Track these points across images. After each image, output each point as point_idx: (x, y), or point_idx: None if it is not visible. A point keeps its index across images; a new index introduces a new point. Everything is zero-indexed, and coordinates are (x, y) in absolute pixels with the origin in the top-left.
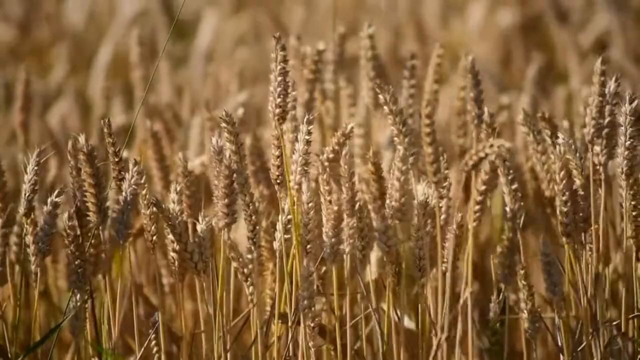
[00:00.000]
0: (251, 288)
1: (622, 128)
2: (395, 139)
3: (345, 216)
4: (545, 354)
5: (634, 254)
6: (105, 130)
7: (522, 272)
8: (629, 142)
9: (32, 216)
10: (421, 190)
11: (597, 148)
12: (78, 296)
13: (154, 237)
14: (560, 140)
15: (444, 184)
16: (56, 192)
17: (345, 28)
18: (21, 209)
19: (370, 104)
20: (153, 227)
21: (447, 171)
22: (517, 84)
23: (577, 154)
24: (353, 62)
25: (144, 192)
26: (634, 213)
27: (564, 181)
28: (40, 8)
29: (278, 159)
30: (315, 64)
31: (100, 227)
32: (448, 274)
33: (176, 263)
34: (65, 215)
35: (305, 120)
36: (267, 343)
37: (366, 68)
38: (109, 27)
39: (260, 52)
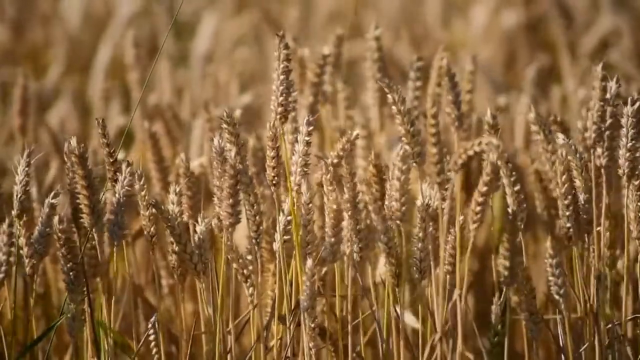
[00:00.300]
0: (251, 289)
1: (624, 130)
2: (403, 139)
3: (346, 217)
4: (546, 354)
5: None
6: (100, 131)
7: (524, 273)
8: (630, 144)
9: (25, 217)
10: (424, 191)
11: (598, 150)
12: (73, 298)
13: (154, 238)
14: (560, 142)
15: (447, 185)
16: (52, 193)
17: (346, 29)
18: (14, 211)
19: (376, 106)
20: (152, 228)
21: (450, 172)
22: (521, 84)
23: (578, 155)
24: (351, 63)
25: (143, 193)
26: (639, 214)
27: (566, 184)
28: (36, 9)
29: (274, 160)
30: (320, 68)
31: (94, 229)
32: (448, 276)
33: (176, 264)
34: (56, 218)
35: (305, 121)
36: (267, 344)
37: (372, 69)
38: (106, 28)
39: (260, 53)
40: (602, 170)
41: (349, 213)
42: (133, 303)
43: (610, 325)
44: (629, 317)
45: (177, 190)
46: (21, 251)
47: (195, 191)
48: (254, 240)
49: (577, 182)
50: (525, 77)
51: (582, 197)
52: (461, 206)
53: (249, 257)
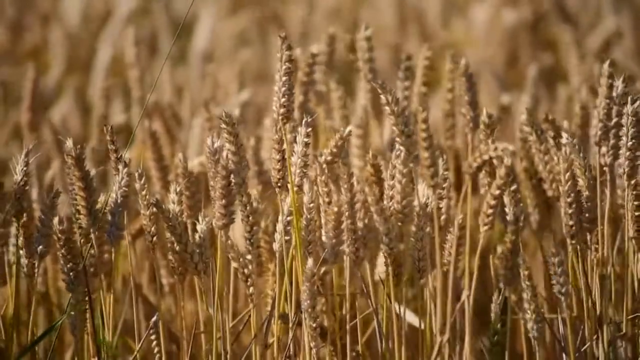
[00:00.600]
0: (251, 288)
1: (624, 129)
2: (397, 139)
3: (345, 217)
4: (546, 354)
5: (635, 254)
6: (108, 137)
7: (525, 272)
8: (630, 143)
9: (25, 217)
10: (422, 191)
11: (603, 149)
12: (75, 297)
13: (154, 238)
14: (564, 141)
15: (444, 185)
16: (52, 193)
17: (345, 28)
18: (12, 210)
19: (368, 106)
20: (153, 228)
21: (447, 172)
22: (523, 84)
23: (581, 155)
24: (349, 63)
25: (143, 192)
26: (636, 213)
27: (569, 182)
28: (36, 8)
29: (279, 163)
30: (309, 67)
31: (92, 230)
32: (448, 276)
33: (176, 263)
34: (56, 219)
35: (304, 122)
36: (266, 343)
37: (364, 70)
38: (105, 27)
39: (259, 52)
40: (606, 169)
41: (347, 213)
42: (134, 302)
43: (611, 325)
44: (630, 316)
45: (178, 189)
46: (21, 251)
47: (195, 191)
48: (248, 241)
49: (580, 181)
50: (526, 76)
51: (584, 195)
52: (455, 205)
53: (249, 257)
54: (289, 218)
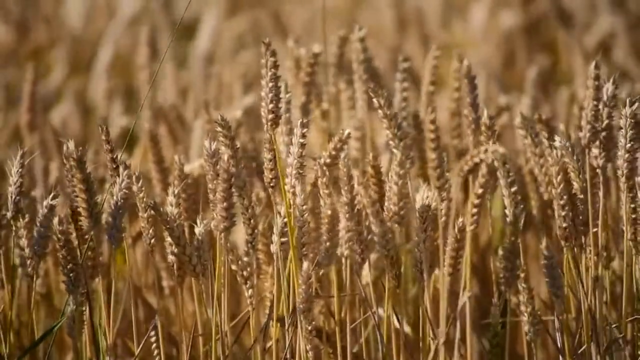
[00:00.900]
0: (250, 291)
1: (623, 131)
2: (390, 142)
3: (343, 219)
4: (545, 356)
5: (633, 257)
6: (103, 137)
7: (522, 274)
8: (629, 145)
9: (23, 219)
10: (422, 193)
11: (595, 151)
12: (73, 299)
13: (152, 240)
14: (557, 144)
15: (445, 187)
16: (51, 195)
17: (345, 29)
18: (9, 212)
19: (364, 107)
20: (151, 231)
21: (448, 174)
22: (520, 85)
23: (575, 157)
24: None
25: (141, 195)
26: (633, 216)
27: (562, 185)
28: (39, 9)
29: (270, 163)
30: (311, 67)
31: (93, 232)
32: (448, 277)
33: (175, 266)
34: (56, 219)
35: (299, 123)
36: (265, 346)
37: (358, 71)
38: (107, 28)
39: (259, 54)
40: (599, 171)
41: (347, 215)
42: (133, 304)
43: (608, 327)
44: (628, 319)
45: (176, 192)
46: (23, 252)
47: (192, 193)
48: (249, 244)
49: (575, 184)
50: (524, 77)
51: (578, 197)
52: (460, 207)
53: (248, 259)
54: (285, 220)
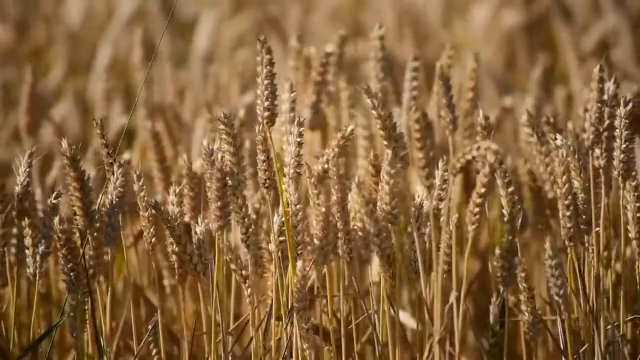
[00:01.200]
0: (249, 290)
1: (618, 131)
2: (385, 142)
3: (336, 218)
4: (545, 356)
5: (637, 256)
6: (98, 131)
7: (522, 274)
8: (624, 146)
9: (28, 218)
10: (419, 192)
11: (597, 151)
12: (74, 298)
13: (154, 240)
14: (559, 143)
15: (444, 186)
16: (54, 194)
17: (346, 29)
18: (15, 212)
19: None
20: (152, 230)
21: (447, 173)
22: (522, 85)
23: (577, 157)
24: (353, 63)
25: (142, 194)
26: (638, 215)
27: (567, 184)
28: (38, 9)
29: (265, 163)
30: (323, 67)
31: (89, 231)
32: (444, 276)
33: (176, 265)
34: (56, 219)
35: (296, 122)
36: (266, 345)
37: (375, 69)
38: (106, 28)
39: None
40: (601, 171)
41: (338, 215)
42: (134, 304)
43: (609, 327)
44: (629, 318)
45: (177, 191)
46: (27, 251)
47: (198, 192)
48: (244, 243)
49: (576, 184)
50: (526, 77)
51: (580, 197)
52: (461, 206)
53: (246, 259)
54: (283, 219)
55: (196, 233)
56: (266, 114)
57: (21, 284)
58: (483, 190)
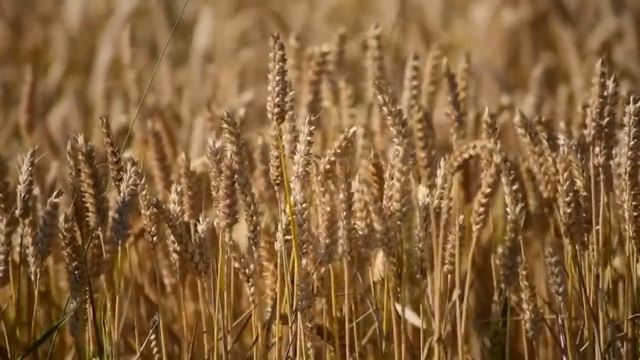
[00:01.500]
0: (252, 289)
1: (626, 128)
2: (395, 139)
3: (340, 217)
4: (546, 354)
5: (634, 255)
6: (104, 130)
7: (524, 272)
8: (632, 143)
9: (30, 217)
10: (422, 191)
11: (596, 149)
12: (77, 297)
13: (155, 238)
14: (561, 142)
15: (445, 185)
16: (55, 192)
17: (346, 28)
18: (18, 210)
19: (376, 104)
20: (153, 228)
21: (447, 172)
22: (524, 84)
23: (579, 155)
24: (353, 62)
25: (144, 192)
26: (634, 214)
27: (567, 182)
28: (36, 8)
29: (277, 160)
30: (319, 66)
31: (100, 228)
32: (449, 275)
33: (177, 264)
34: (62, 217)
35: (306, 121)
36: (267, 344)
37: (372, 68)
38: (105, 27)
39: (260, 53)
40: (600, 169)
41: (344, 213)
42: (135, 302)
43: (610, 325)
44: (629, 317)
45: (179, 189)
46: (27, 250)
47: (196, 191)
48: (251, 241)
49: (578, 182)
50: (527, 76)
51: (582, 195)
52: (461, 205)
53: (251, 257)
54: (290, 217)
55: (197, 231)
56: (276, 110)
57: (22, 283)
58: (488, 190)
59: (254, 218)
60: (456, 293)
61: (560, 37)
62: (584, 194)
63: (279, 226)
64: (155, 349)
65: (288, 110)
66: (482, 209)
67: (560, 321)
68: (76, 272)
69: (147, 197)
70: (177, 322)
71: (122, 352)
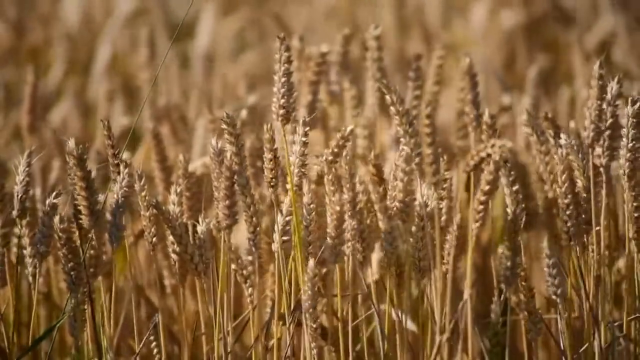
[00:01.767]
0: (250, 290)
1: (625, 130)
2: (401, 139)
3: (347, 217)
4: (547, 355)
5: (635, 255)
6: (105, 132)
7: (522, 273)
8: (631, 144)
9: (28, 218)
10: (423, 191)
11: (598, 150)
12: (75, 298)
13: (154, 239)
14: (562, 142)
15: (445, 185)
16: (54, 193)
17: (345, 28)
18: (15, 211)
19: (376, 105)
20: (153, 229)
21: (447, 172)
22: (521, 84)
23: (579, 155)
24: (354, 63)
25: (143, 193)
26: (635, 214)
27: (567, 183)
28: (36, 8)
29: (271, 162)
30: (318, 66)
31: (93, 230)
32: (449, 275)
33: (177, 265)
34: (57, 218)
35: (302, 121)
36: (267, 344)
37: (372, 69)
38: (104, 28)
39: (258, 53)
40: (602, 170)
41: (349, 213)
42: (135, 303)
43: (610, 326)
44: (630, 318)
45: (178, 190)
46: (24, 251)
47: (195, 192)
48: (251, 242)
49: (579, 182)
50: (525, 76)
51: (582, 196)
52: (464, 205)
53: (249, 258)
54: (287, 218)
55: (196, 232)
56: (281, 111)
57: (21, 284)
58: (487, 188)
59: (254, 219)
60: (467, 292)
61: (560, 38)
62: (585, 194)
63: (276, 227)
64: (155, 350)
65: (293, 111)
66: (481, 207)
67: (560, 322)
68: (72, 273)
69: (147, 198)
70: (177, 323)
71: (122, 352)
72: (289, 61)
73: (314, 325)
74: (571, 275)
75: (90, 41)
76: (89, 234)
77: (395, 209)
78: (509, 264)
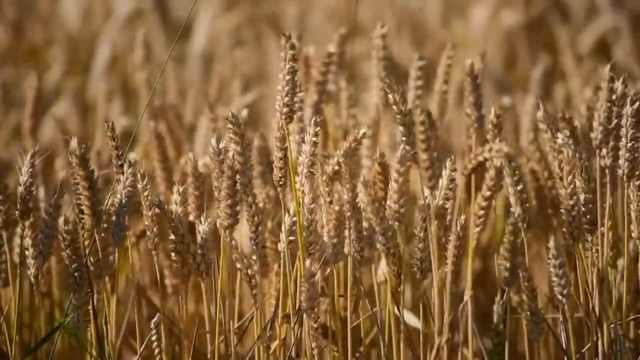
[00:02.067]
0: (254, 289)
1: (624, 130)
2: (404, 139)
3: (346, 217)
4: (548, 355)
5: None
6: (109, 133)
7: (524, 273)
8: (630, 145)
9: (31, 218)
10: (424, 191)
11: (604, 151)
12: (77, 298)
13: (156, 239)
14: (560, 141)
15: (451, 186)
16: (57, 194)
17: (345, 28)
18: (18, 212)
19: (380, 104)
20: (155, 229)
21: (454, 173)
22: (522, 85)
23: (578, 155)
24: (352, 62)
25: (145, 193)
26: None
27: (572, 184)
28: (35, 8)
29: (281, 161)
30: (325, 66)
31: (96, 230)
32: (449, 276)
33: (179, 264)
34: (61, 219)
35: (312, 121)
36: (269, 344)
37: (377, 68)
38: (104, 28)
39: (255, 52)
40: (607, 171)
41: (349, 214)
42: (137, 303)
43: (612, 326)
44: (631, 317)
45: (181, 190)
46: (27, 252)
47: (203, 191)
48: (253, 241)
49: (578, 182)
50: (526, 76)
51: (582, 197)
52: (465, 205)
53: (253, 257)
54: (294, 218)
55: (199, 232)
56: (285, 109)
57: (23, 284)
58: (488, 193)
59: (256, 218)
60: (468, 294)
61: (557, 38)
62: (587, 195)
63: (282, 227)
64: (157, 350)
65: (297, 110)
66: (482, 212)
67: (563, 322)
68: (76, 273)
69: (149, 197)
70: (179, 323)
71: (123, 352)
72: (294, 59)
73: (315, 325)
74: (573, 275)
75: (89, 41)
76: (91, 234)
77: (391, 210)
78: (510, 264)
